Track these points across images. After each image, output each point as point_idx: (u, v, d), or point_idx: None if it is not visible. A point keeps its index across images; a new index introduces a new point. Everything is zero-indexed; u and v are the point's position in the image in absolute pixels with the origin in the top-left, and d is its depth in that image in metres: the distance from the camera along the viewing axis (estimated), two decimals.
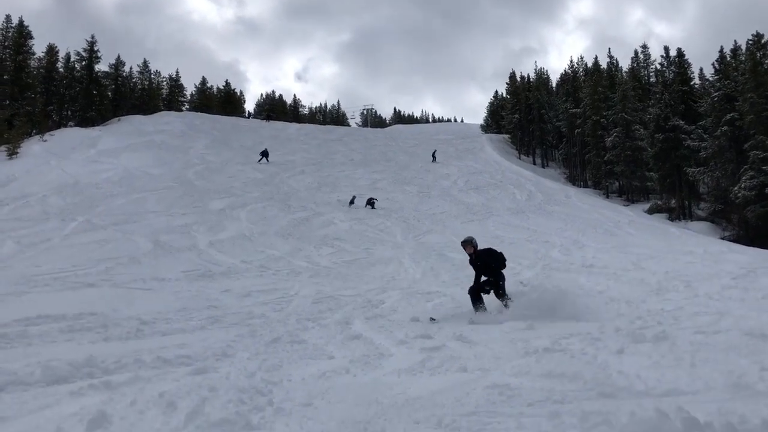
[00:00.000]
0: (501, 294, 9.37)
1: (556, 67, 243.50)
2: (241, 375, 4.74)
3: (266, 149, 43.49)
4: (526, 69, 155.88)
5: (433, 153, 50.13)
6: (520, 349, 5.96)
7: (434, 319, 8.82)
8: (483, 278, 9.55)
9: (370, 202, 30.28)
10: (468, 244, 9.83)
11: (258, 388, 4.28)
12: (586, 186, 52.53)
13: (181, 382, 4.47)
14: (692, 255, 19.21)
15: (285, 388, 4.36)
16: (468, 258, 9.95)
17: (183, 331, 7.53)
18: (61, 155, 37.35)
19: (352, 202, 30.40)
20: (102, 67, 64.43)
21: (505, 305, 9.05)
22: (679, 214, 39.08)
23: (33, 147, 39.49)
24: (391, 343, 6.64)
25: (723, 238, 31.55)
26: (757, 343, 5.38)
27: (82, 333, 7.08)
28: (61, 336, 6.84)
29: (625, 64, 66.40)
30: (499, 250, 9.94)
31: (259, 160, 41.93)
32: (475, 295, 9.40)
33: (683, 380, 4.10)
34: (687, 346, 5.38)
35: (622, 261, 17.89)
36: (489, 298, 9.43)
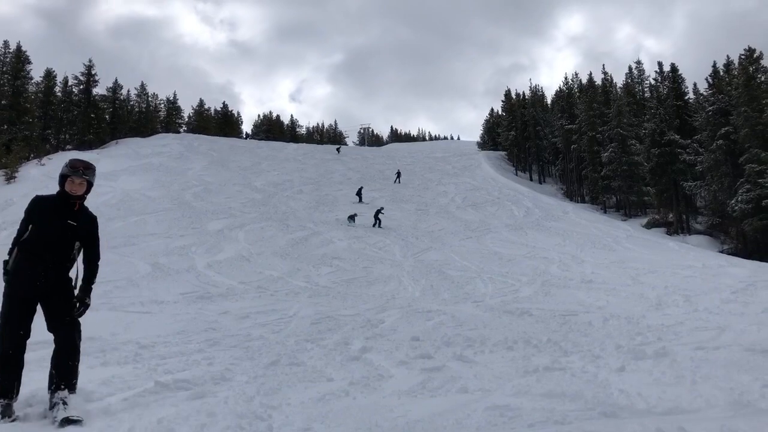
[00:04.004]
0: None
1: (546, 83, 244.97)
2: (239, 399, 4.70)
3: (361, 188, 39.88)
4: (517, 85, 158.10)
5: (397, 173, 47.85)
6: (520, 367, 5.93)
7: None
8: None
9: (377, 217, 30.04)
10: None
11: (257, 413, 4.25)
12: (583, 201, 52.66)
13: (179, 407, 4.43)
14: (691, 269, 19.23)
15: (284, 412, 4.33)
16: None
17: (182, 354, 7.47)
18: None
19: (352, 219, 30.26)
20: (99, 90, 64.94)
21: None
22: (677, 228, 39.13)
23: (31, 171, 39.58)
24: (391, 363, 6.59)
25: (721, 252, 31.59)
26: (757, 359, 5.36)
27: (80, 358, 7.02)
28: None
29: (618, 79, 67.00)
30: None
31: (359, 201, 37.60)
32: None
33: (684, 398, 4.08)
34: (688, 362, 5.37)
35: (621, 276, 17.89)
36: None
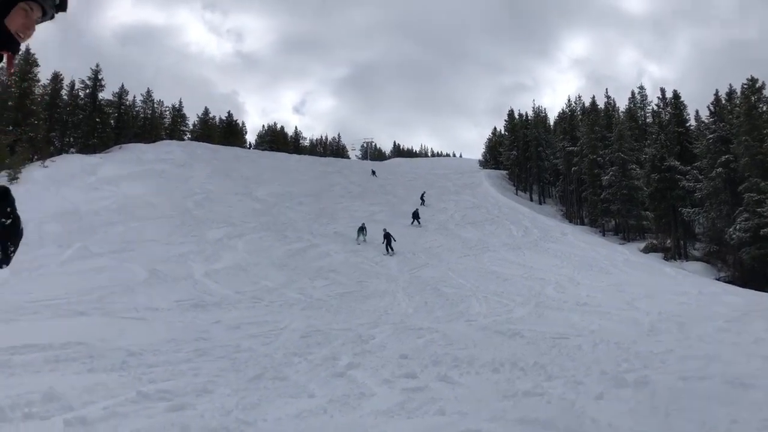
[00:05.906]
0: None
1: (549, 104, 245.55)
2: (216, 414, 4.72)
3: (417, 210, 38.44)
4: (519, 105, 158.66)
5: (422, 195, 46.25)
6: (501, 391, 5.95)
7: None
8: None
9: (389, 240, 27.58)
10: None
11: (230, 428, 4.27)
12: (582, 223, 52.63)
13: (155, 419, 4.46)
14: (687, 296, 19.18)
15: (258, 428, 4.35)
16: None
17: (169, 363, 7.49)
18: (62, 182, 37.49)
19: (361, 231, 29.53)
20: (105, 95, 65.14)
21: None
22: (675, 253, 39.08)
23: (34, 173, 39.66)
24: (375, 382, 6.61)
25: (718, 279, 31.50)
26: (738, 392, 5.37)
27: (67, 363, 7.05)
28: (45, 366, 6.80)
29: (621, 103, 67.23)
30: None
31: (411, 223, 36.07)
32: None
33: (654, 431, 4.10)
34: (666, 393, 5.38)
35: (616, 300, 17.85)
36: None
